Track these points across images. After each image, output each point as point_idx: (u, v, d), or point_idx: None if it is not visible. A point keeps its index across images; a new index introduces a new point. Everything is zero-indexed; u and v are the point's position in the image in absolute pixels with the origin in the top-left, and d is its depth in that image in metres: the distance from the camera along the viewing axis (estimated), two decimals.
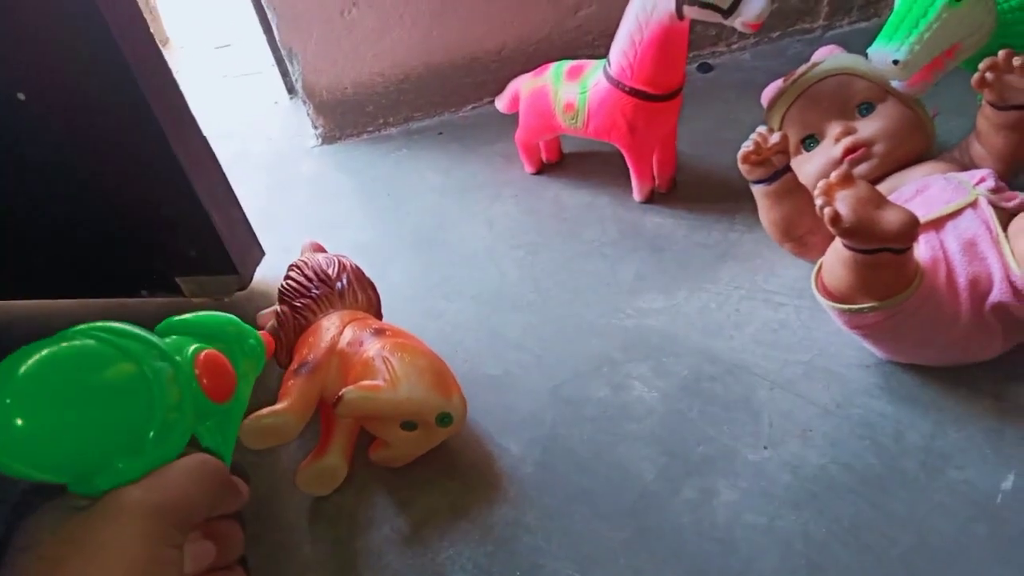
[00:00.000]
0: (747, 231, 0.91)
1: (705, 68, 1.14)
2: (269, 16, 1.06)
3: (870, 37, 0.77)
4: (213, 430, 0.41)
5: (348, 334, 0.73)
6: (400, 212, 1.06)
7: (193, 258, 0.93)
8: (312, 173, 1.16)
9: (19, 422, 0.33)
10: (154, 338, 0.39)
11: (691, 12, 0.77)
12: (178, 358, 0.39)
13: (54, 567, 0.32)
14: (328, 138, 1.18)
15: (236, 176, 1.21)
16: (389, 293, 0.95)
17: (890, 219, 0.60)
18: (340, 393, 0.65)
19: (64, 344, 0.35)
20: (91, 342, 0.36)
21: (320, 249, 0.86)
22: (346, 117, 1.17)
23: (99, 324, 0.37)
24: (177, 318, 0.43)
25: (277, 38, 1.08)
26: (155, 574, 0.33)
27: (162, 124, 0.79)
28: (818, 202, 0.61)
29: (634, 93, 0.86)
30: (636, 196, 0.98)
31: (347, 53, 1.10)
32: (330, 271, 0.80)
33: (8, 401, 0.33)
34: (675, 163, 0.97)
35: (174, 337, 0.41)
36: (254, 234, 0.96)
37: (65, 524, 0.33)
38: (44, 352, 0.34)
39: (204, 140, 0.88)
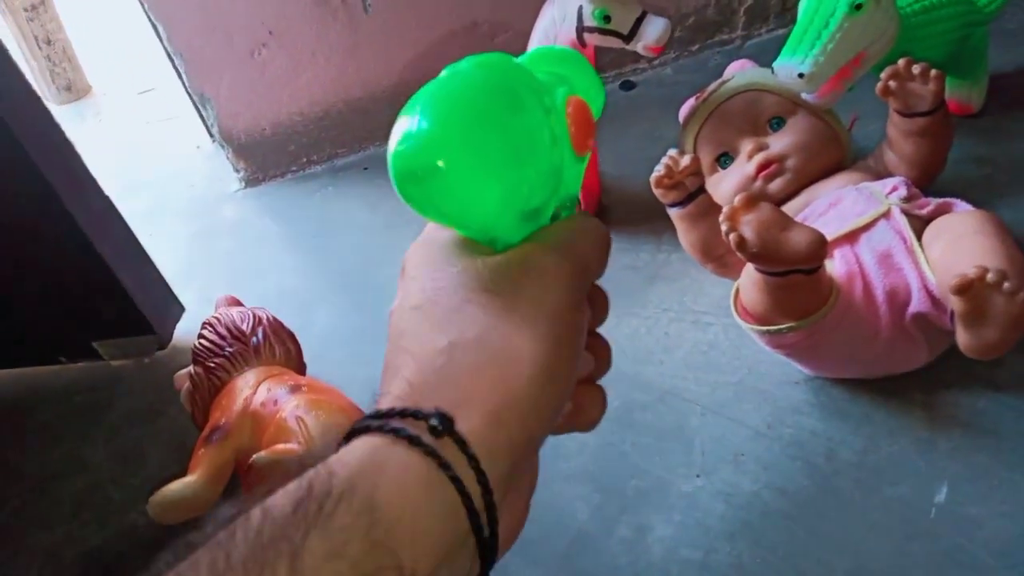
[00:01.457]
0: (674, 251, 0.89)
1: (628, 85, 1.13)
2: (176, 63, 1.03)
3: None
4: (572, 183, 0.36)
5: (263, 393, 0.70)
6: (326, 253, 1.04)
7: (108, 322, 0.90)
8: (236, 218, 1.13)
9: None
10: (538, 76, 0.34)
11: (592, 39, 0.76)
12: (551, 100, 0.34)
13: (465, 307, 0.30)
14: (251, 181, 1.16)
15: (158, 226, 1.19)
16: (314, 340, 0.92)
17: (796, 240, 0.58)
18: (251, 460, 0.62)
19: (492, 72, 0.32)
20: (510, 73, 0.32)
21: (236, 303, 0.83)
22: (268, 158, 1.14)
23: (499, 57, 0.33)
24: (537, 52, 0.37)
25: (187, 84, 1.05)
26: (569, 350, 0.31)
27: (56, 188, 0.76)
28: (723, 227, 0.60)
29: None
30: None
31: (262, 94, 1.07)
32: (244, 326, 0.77)
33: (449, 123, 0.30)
34: (599, 187, 0.96)
35: (544, 73, 0.36)
36: (171, 291, 0.93)
37: (483, 274, 0.31)
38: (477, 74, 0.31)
39: (106, 200, 0.85)
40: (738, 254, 0.60)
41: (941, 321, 0.64)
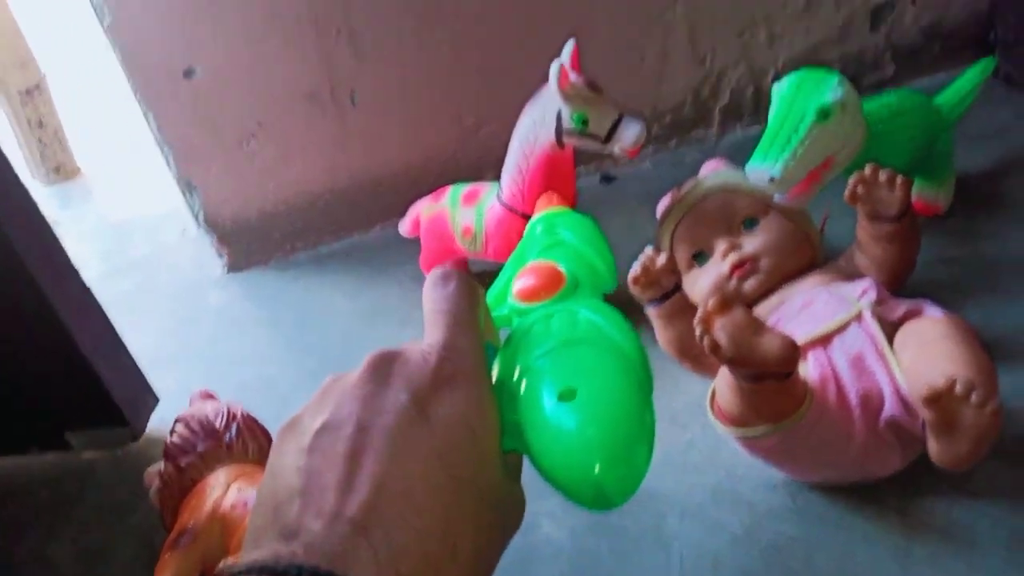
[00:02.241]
0: (651, 347, 0.89)
1: (607, 179, 1.15)
2: (163, 151, 1.05)
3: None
4: None
5: (233, 494, 0.69)
6: (307, 341, 1.03)
7: (80, 412, 0.89)
8: (218, 305, 1.13)
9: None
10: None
11: (571, 141, 0.78)
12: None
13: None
14: (235, 267, 1.16)
15: (139, 311, 1.19)
16: None
17: (769, 346, 0.59)
18: (219, 567, 0.60)
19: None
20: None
21: (210, 397, 0.82)
22: (252, 245, 1.15)
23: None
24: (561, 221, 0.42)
25: (173, 172, 1.06)
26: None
27: (34, 274, 0.76)
28: (697, 331, 0.60)
29: (527, 218, 0.86)
30: None
31: (249, 184, 1.09)
32: (218, 423, 0.76)
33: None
34: None
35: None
36: (145, 381, 0.92)
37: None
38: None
39: (84, 288, 0.85)
40: (712, 358, 0.60)
41: (914, 427, 0.64)
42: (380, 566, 0.26)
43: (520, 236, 0.88)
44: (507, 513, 0.32)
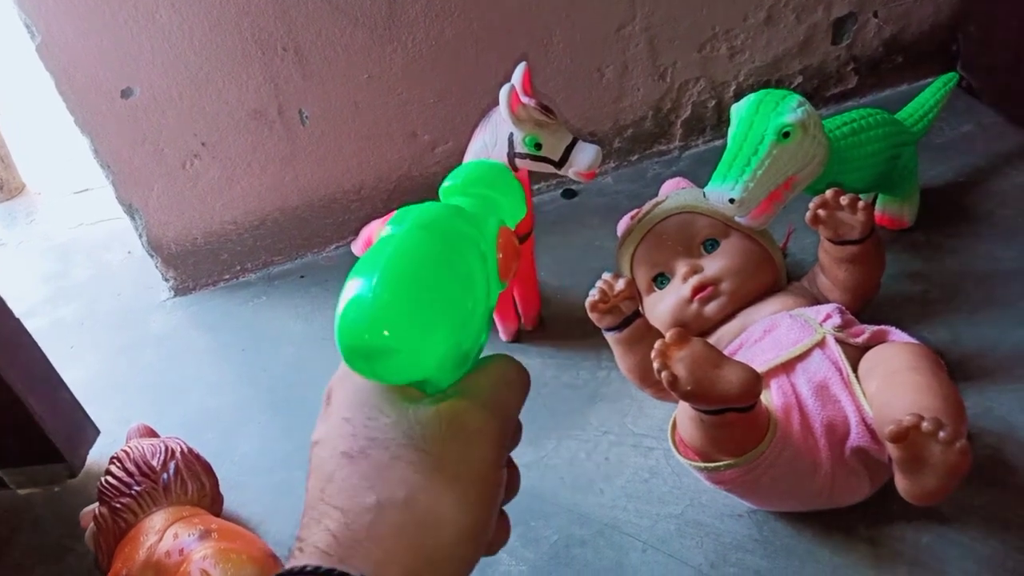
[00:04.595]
0: (614, 368, 0.87)
1: (569, 194, 1.13)
2: (104, 174, 1.00)
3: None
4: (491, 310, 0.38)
5: (168, 540, 0.65)
6: (256, 369, 0.99)
7: (13, 449, 0.84)
8: (163, 330, 1.08)
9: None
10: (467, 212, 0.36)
11: (524, 164, 0.75)
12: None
13: (395, 465, 0.31)
14: (181, 290, 1.12)
15: (81, 337, 1.13)
16: (237, 466, 0.87)
17: (730, 379, 0.56)
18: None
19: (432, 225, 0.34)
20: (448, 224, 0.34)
21: (150, 433, 0.78)
22: (199, 267, 1.10)
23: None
24: (462, 173, 0.39)
25: (115, 195, 1.02)
26: (496, 494, 0.33)
27: None
28: (655, 365, 0.57)
29: None
30: (503, 336, 0.94)
31: (194, 204, 1.04)
32: (155, 461, 0.72)
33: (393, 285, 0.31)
34: (538, 300, 0.94)
35: (475, 206, 0.38)
36: (84, 415, 0.88)
37: (414, 429, 0.32)
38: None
39: (15, 322, 0.81)
40: (671, 392, 0.57)
41: (881, 455, 0.62)
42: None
43: None
44: (472, 434, 0.33)
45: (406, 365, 0.31)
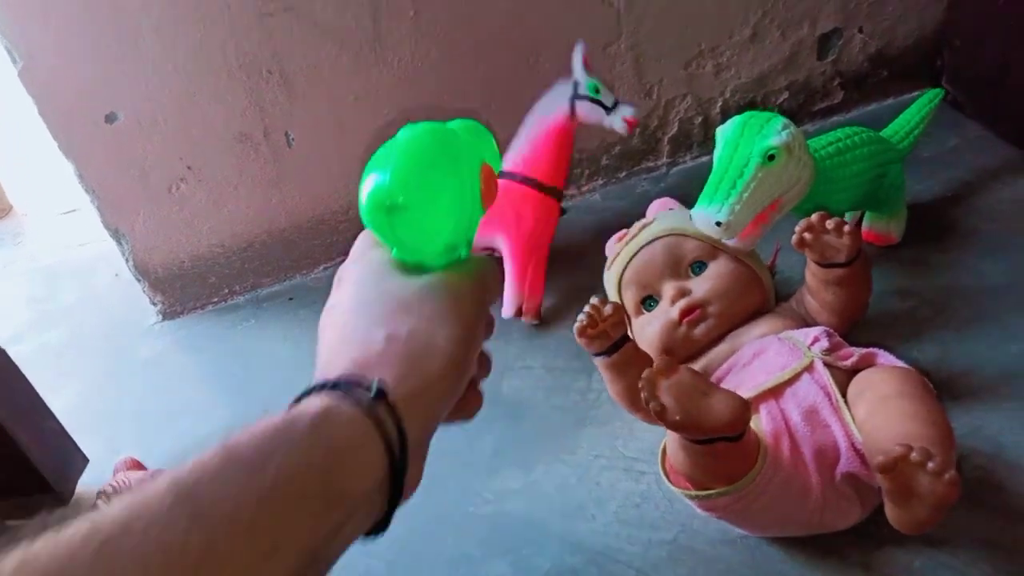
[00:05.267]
0: (604, 391, 0.87)
1: (559, 212, 1.12)
2: (89, 199, 0.99)
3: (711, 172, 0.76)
4: (473, 231, 0.46)
5: None
6: (245, 394, 0.98)
7: (1, 480, 0.83)
8: (151, 355, 1.08)
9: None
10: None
11: (582, 108, 0.90)
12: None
13: (400, 310, 0.39)
14: (169, 314, 1.11)
15: (70, 362, 1.13)
16: None
17: (718, 408, 0.56)
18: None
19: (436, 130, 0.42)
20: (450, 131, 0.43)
21: (137, 466, 0.77)
22: (187, 291, 1.10)
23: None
24: (458, 122, 0.46)
25: (101, 220, 1.01)
26: (472, 351, 0.41)
27: None
28: (643, 395, 0.57)
29: (529, 182, 0.93)
30: (505, 310, 0.94)
31: (180, 229, 1.04)
32: None
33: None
34: (543, 288, 0.95)
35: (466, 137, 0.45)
36: (72, 443, 0.87)
37: (414, 287, 0.40)
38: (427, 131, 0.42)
39: (1, 353, 0.80)
40: (659, 422, 0.57)
41: (871, 479, 0.62)
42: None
43: (527, 203, 0.94)
44: (459, 294, 0.41)
45: (415, 223, 0.40)
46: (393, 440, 0.35)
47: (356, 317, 0.40)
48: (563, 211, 1.14)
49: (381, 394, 0.36)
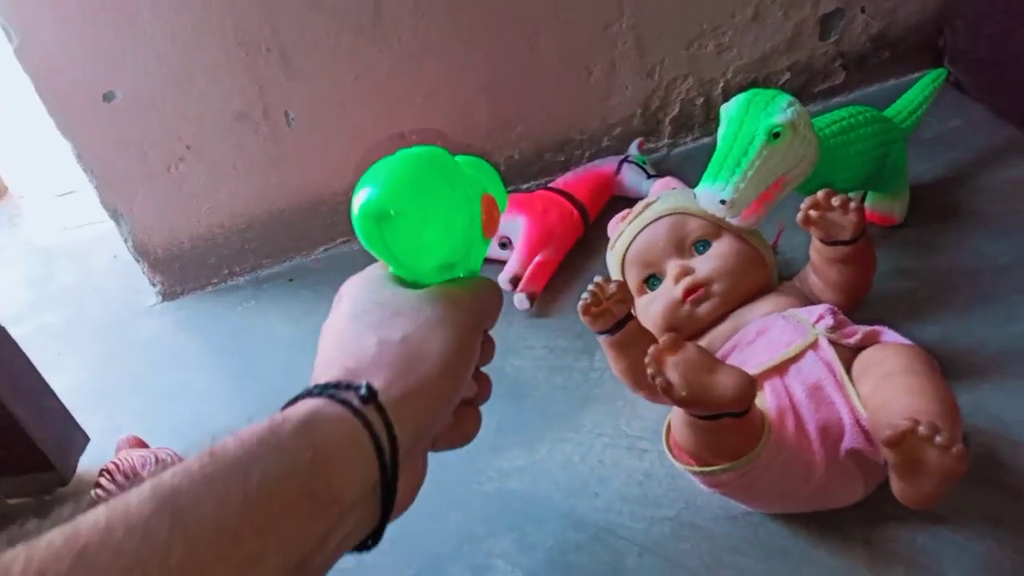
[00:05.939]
0: (607, 370, 0.87)
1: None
2: (87, 179, 0.99)
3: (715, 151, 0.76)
4: (476, 260, 0.47)
5: None
6: (246, 375, 0.98)
7: (2, 459, 0.83)
8: (151, 335, 1.07)
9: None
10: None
11: (627, 168, 1.04)
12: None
13: (394, 317, 0.39)
14: (168, 295, 1.10)
15: (69, 343, 1.12)
16: None
17: (724, 384, 0.56)
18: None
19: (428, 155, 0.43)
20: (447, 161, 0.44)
21: (139, 444, 0.77)
22: (187, 271, 1.09)
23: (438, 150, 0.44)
24: (464, 159, 0.47)
25: (99, 199, 1.00)
26: (466, 360, 0.40)
27: None
28: (649, 371, 0.57)
29: (564, 194, 1.01)
30: (502, 276, 0.95)
31: (179, 208, 1.03)
32: (145, 472, 0.71)
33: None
34: (545, 283, 0.96)
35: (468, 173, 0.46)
36: (73, 422, 0.87)
37: (409, 297, 0.41)
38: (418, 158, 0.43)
39: (1, 331, 0.79)
40: (666, 398, 0.57)
41: (875, 456, 0.62)
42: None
43: (561, 206, 1.01)
44: (455, 302, 0.41)
45: (405, 235, 0.40)
46: (383, 443, 0.34)
47: (350, 325, 0.39)
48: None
49: (371, 396, 0.35)
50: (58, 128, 0.95)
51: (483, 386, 0.45)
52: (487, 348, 0.45)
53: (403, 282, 0.42)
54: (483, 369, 0.47)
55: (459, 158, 0.46)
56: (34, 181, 1.57)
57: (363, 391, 0.35)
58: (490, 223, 0.44)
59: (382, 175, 0.41)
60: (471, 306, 0.41)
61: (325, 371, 0.38)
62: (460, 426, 0.43)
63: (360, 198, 0.40)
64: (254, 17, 0.92)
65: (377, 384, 0.36)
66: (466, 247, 0.44)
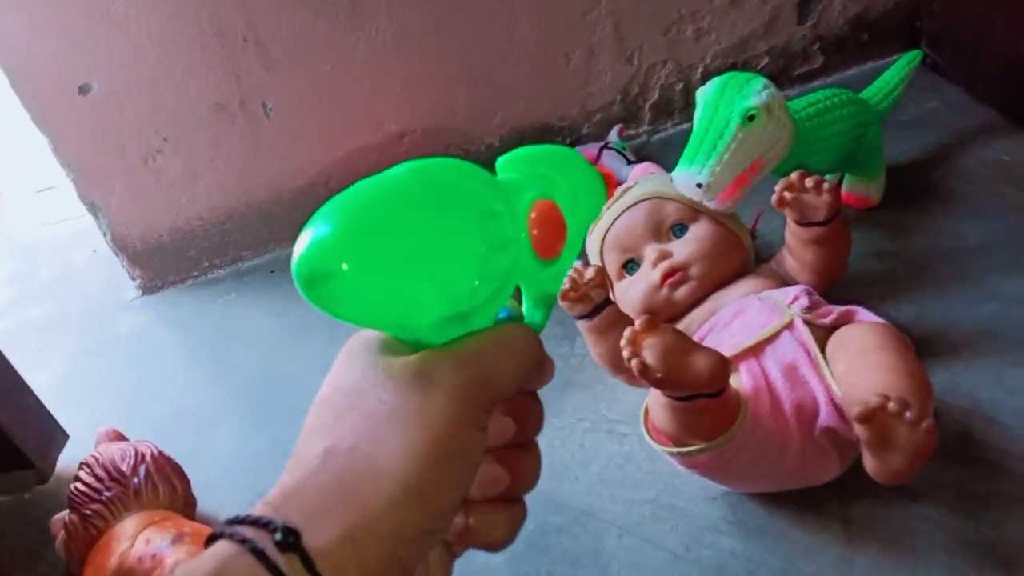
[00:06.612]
0: (587, 355, 0.87)
1: None
2: (65, 172, 0.98)
3: None
4: (532, 288, 0.35)
5: (141, 546, 0.64)
6: (227, 367, 0.98)
7: None
8: (131, 330, 1.07)
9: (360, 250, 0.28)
10: (489, 176, 0.33)
11: (607, 154, 1.02)
12: (512, 203, 0.33)
13: (349, 411, 0.29)
14: (149, 288, 1.10)
15: (49, 339, 1.12)
16: (210, 467, 0.86)
17: (700, 365, 0.57)
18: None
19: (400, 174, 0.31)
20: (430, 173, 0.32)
21: (119, 437, 0.77)
22: (166, 264, 1.09)
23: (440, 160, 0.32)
24: (520, 151, 0.36)
25: (77, 193, 1.00)
26: (456, 456, 0.29)
27: None
28: (625, 353, 0.57)
29: None
30: None
31: (157, 201, 1.03)
32: (124, 466, 0.71)
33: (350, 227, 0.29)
34: None
35: (512, 177, 0.34)
36: (52, 420, 0.86)
37: (378, 378, 0.30)
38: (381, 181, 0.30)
39: None
40: (642, 380, 0.57)
41: (850, 434, 0.62)
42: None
43: None
44: (429, 382, 0.30)
45: (362, 294, 0.29)
46: None
47: (309, 418, 0.30)
48: None
49: (288, 543, 0.26)
50: (33, 121, 0.94)
51: (519, 472, 0.33)
52: (531, 417, 0.34)
53: (396, 344, 0.31)
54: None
55: (519, 154, 0.35)
56: (13, 177, 1.56)
57: (278, 535, 0.26)
58: (548, 238, 0.33)
59: (329, 215, 0.29)
60: (460, 382, 0.29)
61: (281, 481, 0.29)
62: (479, 533, 0.32)
63: (300, 245, 0.29)
64: (229, 7, 0.92)
65: (303, 521, 0.27)
66: (484, 284, 0.32)
